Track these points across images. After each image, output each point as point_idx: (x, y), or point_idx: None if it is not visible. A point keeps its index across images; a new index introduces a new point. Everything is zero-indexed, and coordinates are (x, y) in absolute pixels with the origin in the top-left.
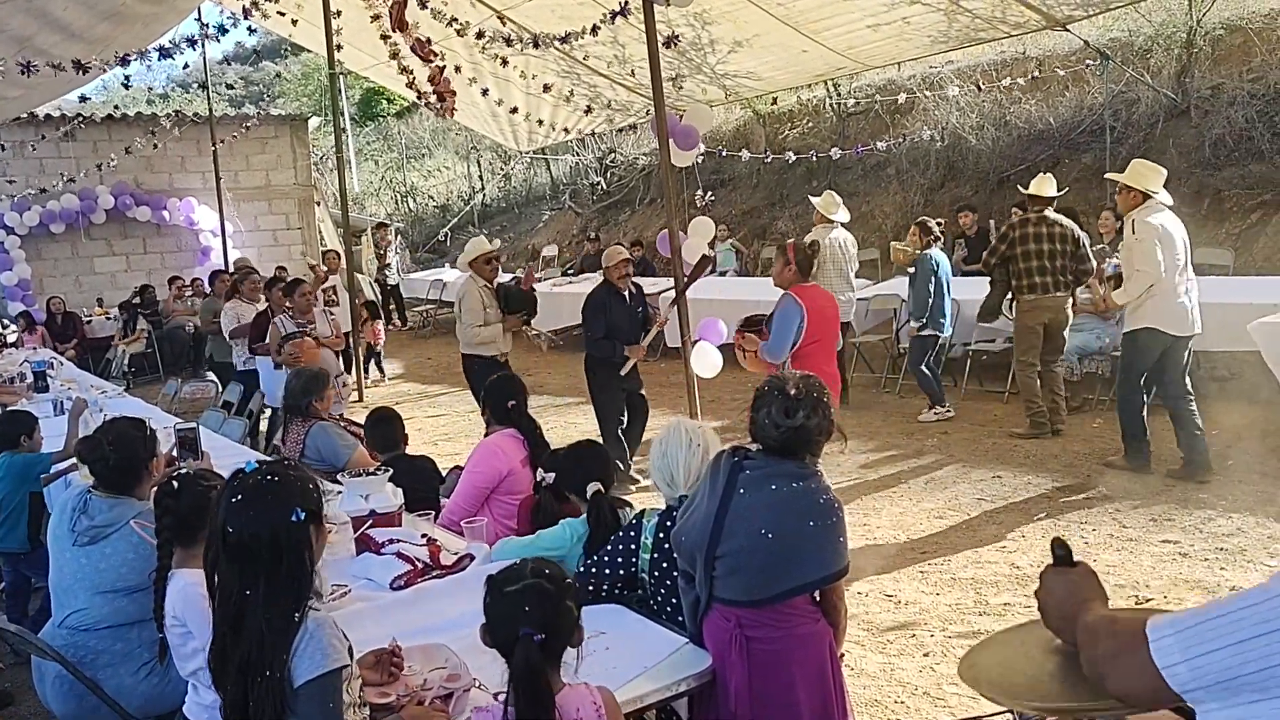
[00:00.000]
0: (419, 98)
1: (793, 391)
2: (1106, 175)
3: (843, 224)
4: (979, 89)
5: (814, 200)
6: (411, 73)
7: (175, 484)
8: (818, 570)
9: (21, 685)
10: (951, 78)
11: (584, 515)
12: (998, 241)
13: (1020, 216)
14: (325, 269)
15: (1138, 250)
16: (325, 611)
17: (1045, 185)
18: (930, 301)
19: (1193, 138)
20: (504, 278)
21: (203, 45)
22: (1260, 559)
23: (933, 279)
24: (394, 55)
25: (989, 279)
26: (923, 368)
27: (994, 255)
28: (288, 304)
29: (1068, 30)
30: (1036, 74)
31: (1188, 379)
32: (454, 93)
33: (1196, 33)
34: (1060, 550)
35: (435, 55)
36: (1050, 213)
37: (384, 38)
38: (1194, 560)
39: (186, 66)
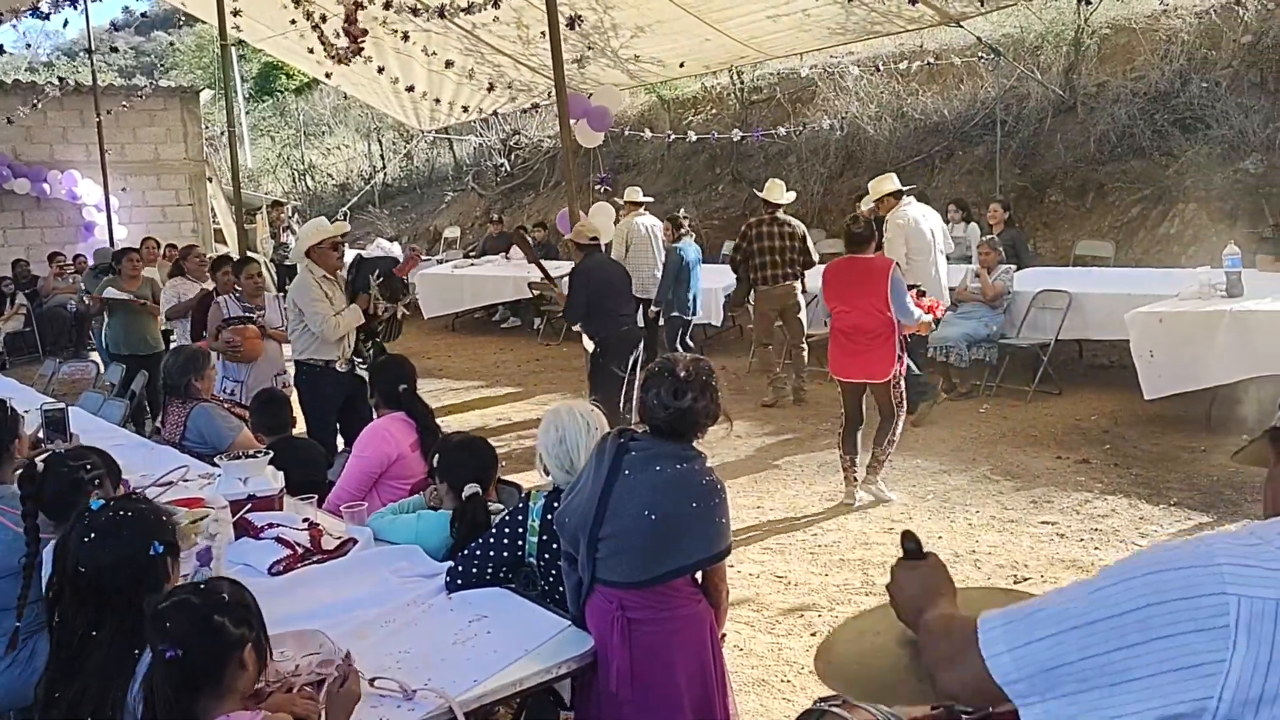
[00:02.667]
0: (325, 49)
1: (682, 374)
2: (860, 200)
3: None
4: (878, 69)
5: (757, 191)
6: (320, 27)
7: (40, 466)
8: (699, 551)
9: None
10: (851, 68)
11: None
12: (739, 240)
13: (756, 218)
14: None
15: (888, 246)
16: None
17: (775, 191)
18: (673, 290)
19: (1079, 133)
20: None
21: (85, 9)
22: (1132, 539)
23: (680, 268)
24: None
25: (735, 274)
26: (678, 345)
27: (737, 253)
28: (236, 285)
29: (961, 26)
30: (932, 64)
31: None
32: (365, 32)
33: (1084, 31)
34: (910, 543)
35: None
36: (780, 214)
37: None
38: (1070, 541)
39: (66, 24)
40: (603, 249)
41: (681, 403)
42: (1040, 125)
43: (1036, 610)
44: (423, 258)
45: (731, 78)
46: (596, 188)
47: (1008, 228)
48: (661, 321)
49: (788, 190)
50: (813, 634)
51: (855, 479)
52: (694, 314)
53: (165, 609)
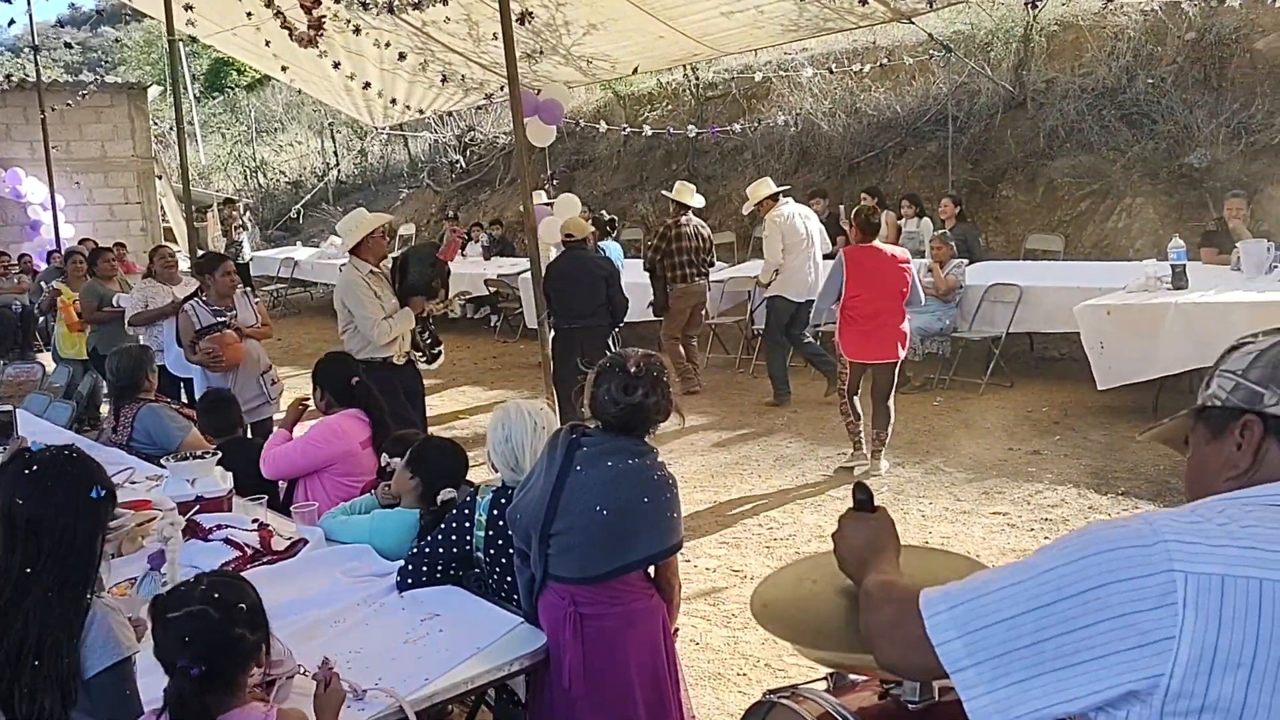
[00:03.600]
0: (289, 33)
1: (632, 369)
2: (747, 190)
3: (696, 210)
4: (831, 71)
5: (666, 194)
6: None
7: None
8: (651, 546)
9: None
10: (806, 64)
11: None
12: (658, 241)
13: (671, 220)
14: (461, 231)
15: (766, 242)
16: (110, 598)
17: (685, 194)
18: None
19: (1029, 128)
20: None
21: (29, 5)
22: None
23: None
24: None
25: (650, 275)
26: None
27: (656, 253)
28: (209, 283)
29: (913, 23)
30: (885, 63)
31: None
32: (324, 17)
33: (1033, 28)
34: (861, 494)
35: None
36: (690, 216)
37: None
38: (1021, 531)
39: (12, 23)
40: (590, 245)
41: (632, 398)
42: (991, 121)
43: (982, 592)
44: (462, 236)
45: (686, 74)
46: (547, 185)
47: (959, 222)
48: (758, 323)
49: (698, 193)
50: None
51: (862, 443)
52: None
53: (182, 621)
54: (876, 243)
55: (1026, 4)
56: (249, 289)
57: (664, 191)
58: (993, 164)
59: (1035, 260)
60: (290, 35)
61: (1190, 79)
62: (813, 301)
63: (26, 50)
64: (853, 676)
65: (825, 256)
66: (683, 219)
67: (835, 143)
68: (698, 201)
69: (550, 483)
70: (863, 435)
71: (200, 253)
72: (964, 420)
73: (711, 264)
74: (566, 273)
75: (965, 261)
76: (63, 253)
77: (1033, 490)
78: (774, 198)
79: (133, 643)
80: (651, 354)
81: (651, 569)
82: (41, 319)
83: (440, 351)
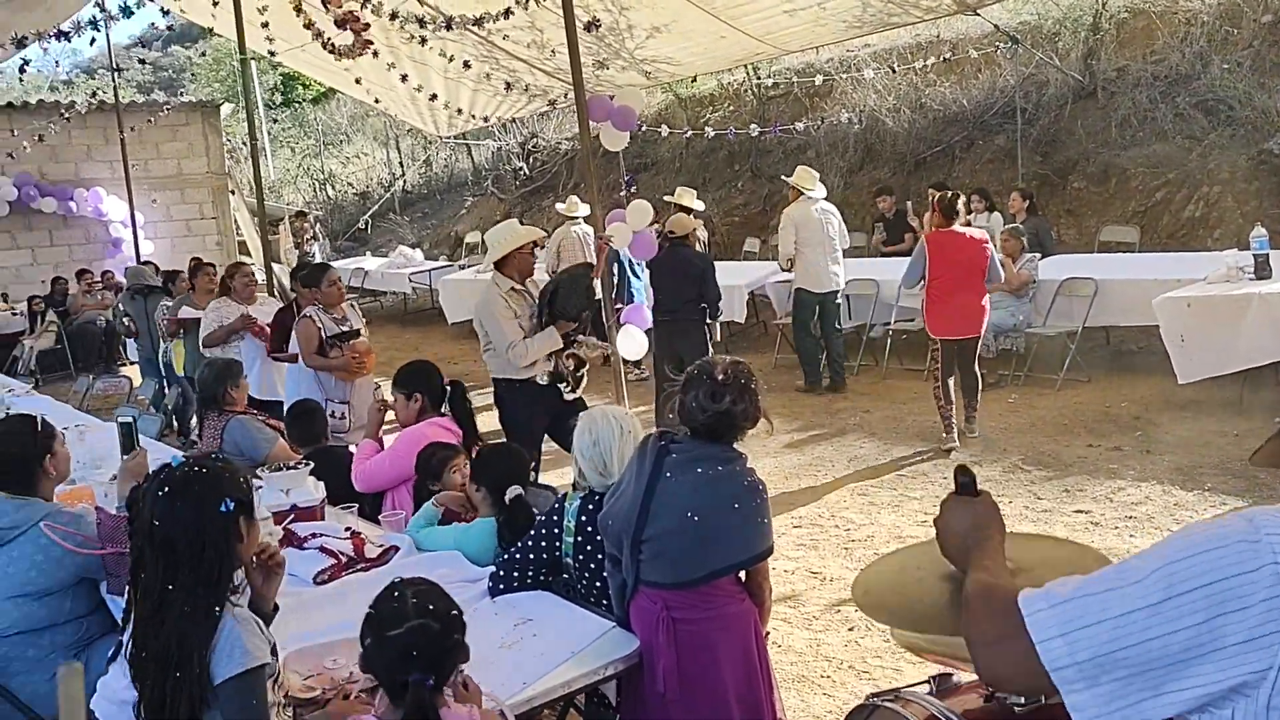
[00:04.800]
0: (334, 52)
1: (720, 376)
2: (783, 177)
3: (823, 199)
4: (893, 71)
5: (787, 179)
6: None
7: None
8: (743, 552)
9: None
10: (868, 60)
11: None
12: (660, 242)
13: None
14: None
15: (780, 233)
16: (245, 608)
17: (687, 198)
18: (616, 281)
19: (1100, 119)
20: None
21: (106, 29)
22: (1168, 525)
23: (615, 264)
24: (310, 26)
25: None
26: None
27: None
28: (316, 297)
29: (978, 15)
30: (950, 57)
31: (839, 322)
32: (367, 26)
33: (1102, 16)
34: (964, 477)
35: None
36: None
37: (297, 10)
38: (1105, 529)
39: (93, 42)
40: (691, 242)
41: (720, 405)
42: (1060, 112)
43: (1085, 592)
44: (612, 244)
45: (748, 74)
46: (623, 192)
47: (1030, 216)
48: None
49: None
50: (850, 629)
51: (953, 426)
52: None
53: (405, 637)
54: (956, 226)
55: None
56: (351, 299)
57: (665, 195)
58: (1063, 156)
59: (1110, 253)
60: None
61: (1268, 63)
62: (835, 293)
63: (101, 71)
64: (956, 679)
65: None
66: (681, 215)
67: (900, 139)
68: (699, 205)
69: (641, 489)
70: (954, 420)
71: (292, 264)
72: (1041, 417)
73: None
74: (666, 267)
75: (1037, 256)
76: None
77: (1115, 488)
78: (799, 192)
79: (263, 653)
80: (740, 361)
81: (743, 573)
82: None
83: (584, 376)
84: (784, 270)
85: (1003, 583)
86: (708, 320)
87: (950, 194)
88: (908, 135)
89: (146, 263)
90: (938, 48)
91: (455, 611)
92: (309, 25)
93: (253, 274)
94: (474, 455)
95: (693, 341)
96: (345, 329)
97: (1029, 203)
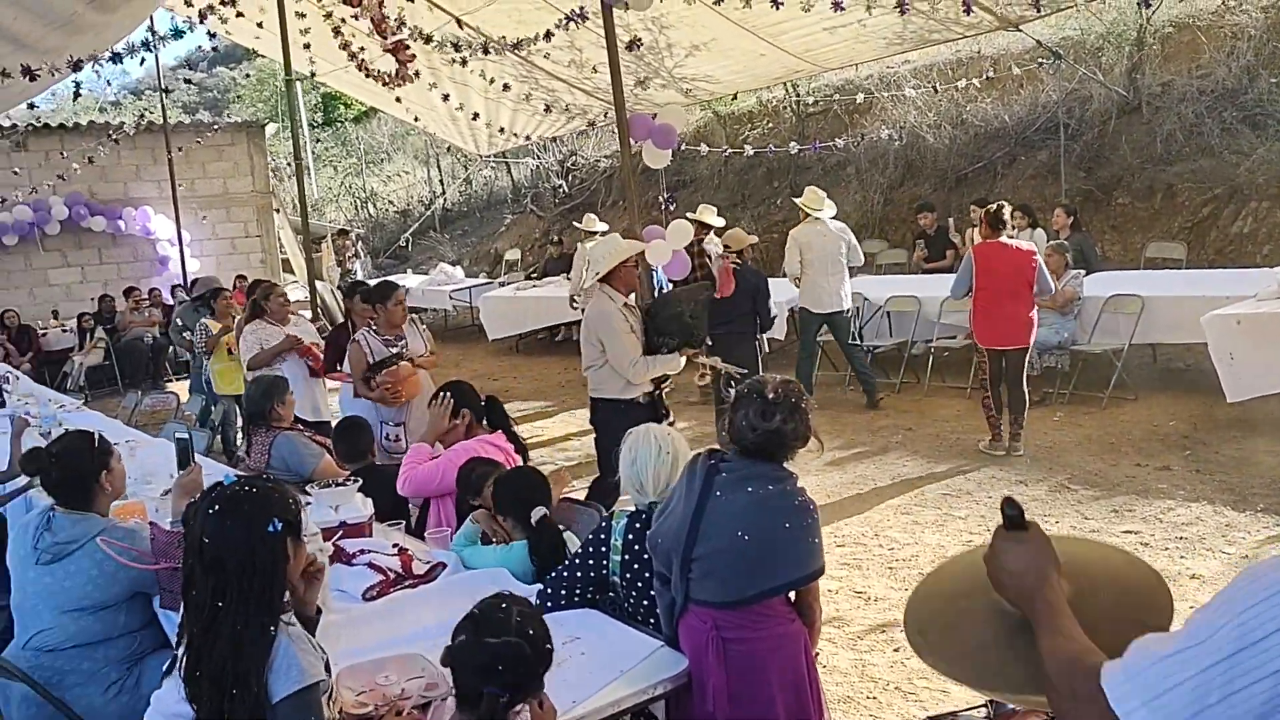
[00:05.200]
0: (375, 78)
1: (771, 395)
2: (796, 200)
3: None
4: (935, 91)
5: (796, 200)
6: (365, 66)
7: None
8: (793, 571)
9: None
10: (908, 77)
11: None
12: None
13: (694, 238)
14: (730, 257)
15: (786, 255)
16: (299, 626)
17: (708, 215)
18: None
19: (1144, 134)
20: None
21: (156, 51)
22: (1219, 546)
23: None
24: (346, 48)
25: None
26: None
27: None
28: (371, 315)
29: (1020, 30)
30: (992, 73)
31: (857, 339)
32: (414, 57)
33: (1146, 31)
34: (1011, 510)
35: (392, 30)
36: (711, 235)
37: (336, 31)
38: (1155, 550)
39: (143, 62)
40: (746, 258)
41: (770, 424)
42: (1104, 127)
43: (1161, 657)
44: (735, 263)
45: (787, 90)
46: (663, 208)
47: (1074, 232)
48: (867, 339)
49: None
50: (895, 650)
51: (1001, 435)
52: None
53: (500, 648)
54: (1003, 238)
55: (1140, 5)
56: (416, 316)
57: (688, 214)
58: (1107, 171)
59: (1156, 269)
60: (360, 69)
61: None
62: (841, 313)
63: (148, 93)
64: (1012, 704)
65: (925, 272)
66: (704, 238)
67: (941, 155)
68: (718, 222)
69: (690, 508)
70: (1003, 426)
71: (344, 280)
72: (1087, 435)
73: None
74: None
75: (1082, 272)
76: (189, 285)
77: (1164, 508)
78: (806, 214)
79: (319, 671)
80: (791, 380)
81: (792, 593)
82: (199, 356)
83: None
84: (796, 288)
85: (1082, 653)
86: (758, 334)
87: (997, 205)
88: (949, 151)
89: (211, 277)
90: (979, 64)
91: (549, 646)
92: (345, 46)
93: (286, 294)
94: (492, 484)
95: (743, 354)
96: (394, 351)
97: (1073, 219)
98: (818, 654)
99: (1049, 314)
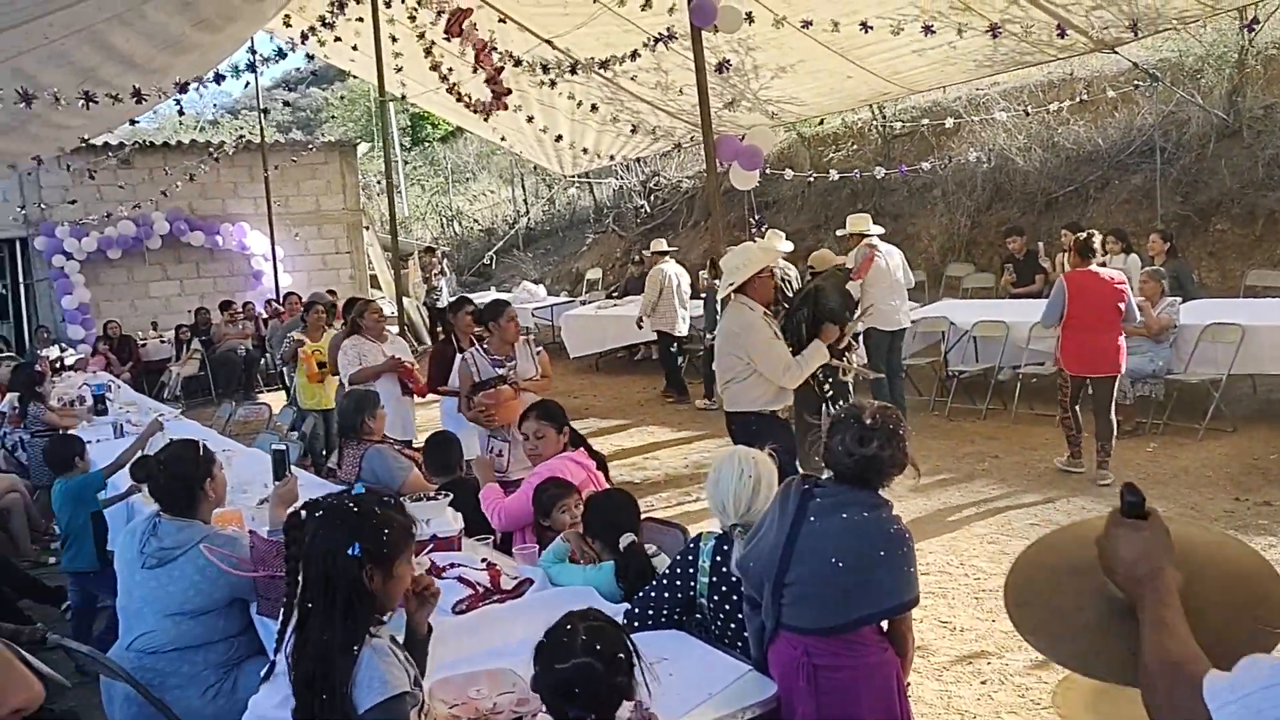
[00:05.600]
0: (468, 106)
1: (868, 421)
2: (839, 233)
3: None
4: (1027, 114)
5: (840, 233)
6: (458, 91)
7: (304, 513)
8: (888, 600)
9: (87, 704)
10: (998, 99)
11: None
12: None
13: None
14: (875, 250)
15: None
16: (386, 636)
17: (776, 241)
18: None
19: (1245, 158)
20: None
21: (256, 73)
22: None
23: (709, 300)
24: (436, 69)
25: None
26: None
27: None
28: (485, 333)
29: (1116, 53)
30: (1084, 95)
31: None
32: (509, 91)
33: (1248, 53)
34: (1131, 497)
35: (491, 59)
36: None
37: (427, 52)
38: None
39: (247, 85)
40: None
41: (867, 450)
42: (1203, 151)
43: (1269, 685)
44: (877, 254)
45: (873, 112)
46: (753, 230)
47: (1170, 258)
48: (952, 364)
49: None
50: (982, 682)
51: (1081, 451)
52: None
53: (569, 674)
54: (1093, 266)
55: (1242, 27)
56: (530, 337)
57: (756, 239)
58: (1205, 196)
59: (1257, 297)
60: (450, 91)
61: None
62: (904, 331)
63: (244, 112)
64: None
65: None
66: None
67: (1031, 178)
68: (786, 247)
69: (784, 533)
70: (1082, 446)
71: (447, 297)
72: (1182, 468)
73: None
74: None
75: (1178, 299)
76: (283, 299)
77: (1265, 544)
78: (859, 236)
79: (402, 683)
80: (888, 406)
81: (885, 622)
82: (283, 368)
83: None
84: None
85: (1187, 659)
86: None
87: (1087, 234)
88: (1039, 174)
89: (331, 290)
90: (1071, 86)
91: (622, 654)
92: (435, 68)
93: (381, 311)
94: (584, 504)
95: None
96: (499, 373)
97: (1169, 245)
98: (908, 684)
99: (1143, 341)
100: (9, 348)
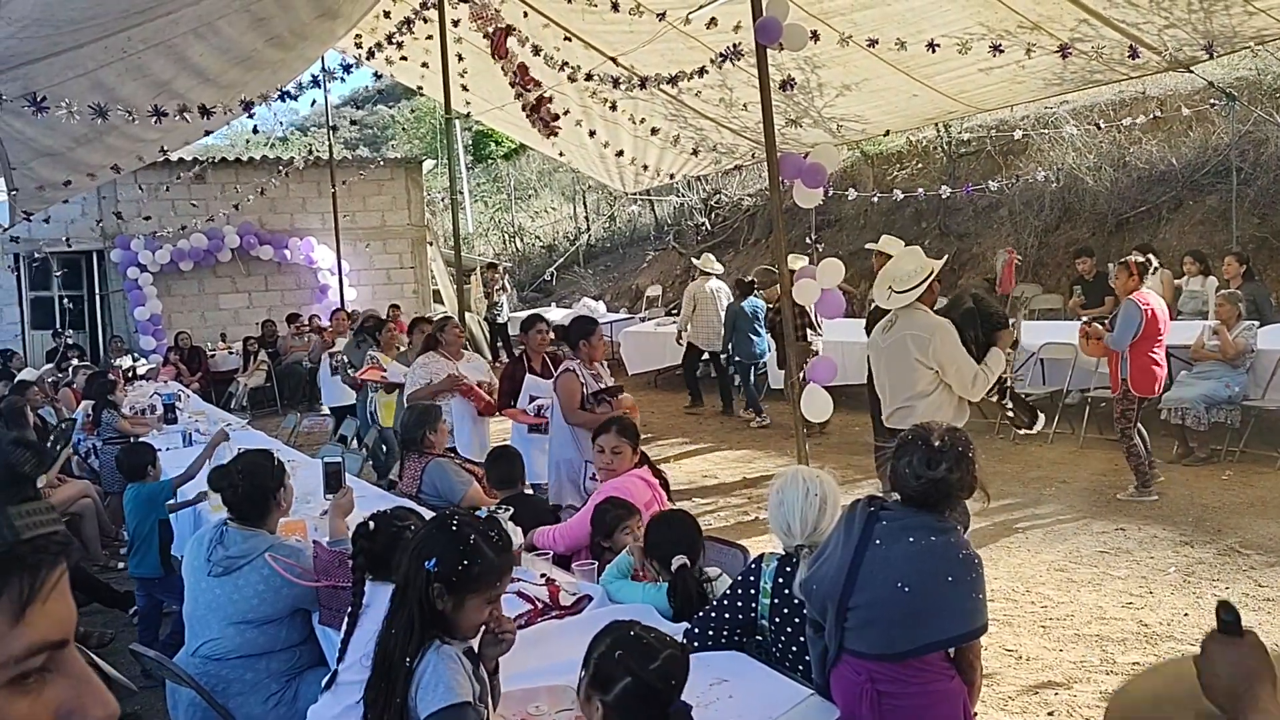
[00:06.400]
0: (534, 123)
1: (936, 443)
2: (866, 246)
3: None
4: (1099, 128)
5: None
6: (530, 106)
7: (371, 524)
8: (955, 627)
9: (151, 709)
10: (1067, 117)
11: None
12: (776, 304)
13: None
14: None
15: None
16: (460, 647)
17: (798, 264)
18: (734, 338)
19: None
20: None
21: (325, 89)
22: None
23: (738, 319)
24: (517, 92)
25: (770, 332)
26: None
27: (774, 314)
28: (560, 353)
29: (1191, 71)
30: (1158, 114)
31: None
32: (557, 117)
33: None
34: (1227, 615)
35: (535, 84)
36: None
37: (504, 69)
38: None
39: (314, 103)
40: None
41: (935, 473)
42: None
43: None
44: (1018, 259)
45: (938, 131)
46: (813, 247)
47: (1247, 281)
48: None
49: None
50: (1050, 713)
51: (1149, 480)
52: (761, 358)
53: (664, 669)
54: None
55: None
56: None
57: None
58: None
59: None
60: (527, 113)
61: None
62: None
63: (313, 129)
64: None
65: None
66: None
67: (1101, 198)
68: (717, 269)
69: (849, 555)
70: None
71: (516, 312)
72: (1259, 496)
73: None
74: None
75: (1256, 324)
76: (349, 314)
77: None
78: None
79: (466, 691)
80: (957, 428)
81: (951, 650)
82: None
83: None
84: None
85: None
86: None
87: (1145, 257)
88: (1109, 194)
89: (394, 305)
90: (1144, 104)
91: (676, 682)
92: (514, 84)
93: (460, 328)
94: (646, 524)
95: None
96: (606, 385)
97: (1245, 267)
98: (975, 715)
99: (1218, 366)
100: (84, 357)
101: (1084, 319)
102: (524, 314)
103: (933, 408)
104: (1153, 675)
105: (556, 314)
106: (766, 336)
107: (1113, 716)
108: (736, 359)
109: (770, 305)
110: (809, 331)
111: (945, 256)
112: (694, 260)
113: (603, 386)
